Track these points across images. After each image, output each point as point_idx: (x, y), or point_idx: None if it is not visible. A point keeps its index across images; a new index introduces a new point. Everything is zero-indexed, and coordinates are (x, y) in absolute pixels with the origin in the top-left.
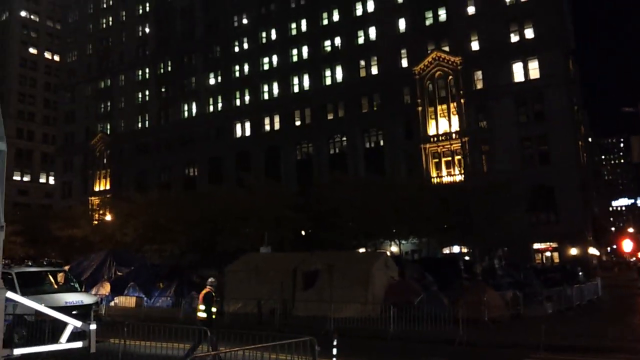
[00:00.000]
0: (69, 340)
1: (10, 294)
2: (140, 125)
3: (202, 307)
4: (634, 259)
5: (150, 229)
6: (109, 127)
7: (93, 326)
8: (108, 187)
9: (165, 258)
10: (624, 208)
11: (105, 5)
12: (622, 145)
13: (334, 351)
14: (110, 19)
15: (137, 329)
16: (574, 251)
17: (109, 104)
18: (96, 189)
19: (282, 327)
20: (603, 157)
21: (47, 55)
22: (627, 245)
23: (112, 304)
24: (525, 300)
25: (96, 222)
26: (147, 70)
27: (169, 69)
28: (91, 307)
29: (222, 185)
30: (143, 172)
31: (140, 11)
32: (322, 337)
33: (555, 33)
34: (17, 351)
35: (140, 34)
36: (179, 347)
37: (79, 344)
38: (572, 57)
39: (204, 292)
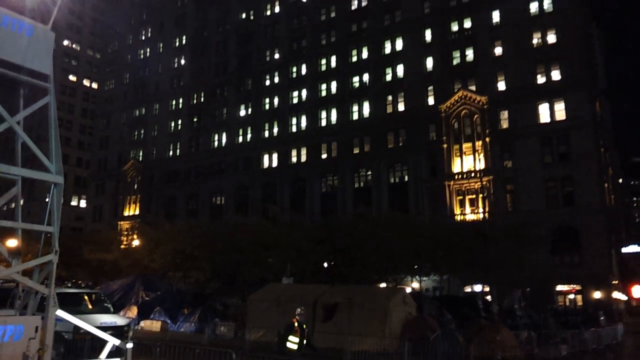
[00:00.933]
0: (108, 357)
1: (60, 312)
2: (171, 153)
3: (293, 338)
4: None
5: (177, 256)
6: (141, 154)
7: (130, 345)
8: (137, 212)
9: (190, 285)
10: None
11: (143, 37)
12: None
13: None
14: (148, 50)
15: (167, 349)
16: (597, 294)
17: (142, 131)
18: (126, 213)
19: (301, 356)
20: (635, 199)
21: (86, 82)
22: (636, 291)
23: (138, 327)
24: (540, 342)
25: (124, 247)
26: (180, 101)
27: (202, 99)
28: (123, 329)
29: (248, 215)
30: (172, 198)
31: (177, 43)
32: None
33: (582, 75)
34: None
35: (175, 65)
36: None
37: None
38: (603, 96)
39: (290, 321)
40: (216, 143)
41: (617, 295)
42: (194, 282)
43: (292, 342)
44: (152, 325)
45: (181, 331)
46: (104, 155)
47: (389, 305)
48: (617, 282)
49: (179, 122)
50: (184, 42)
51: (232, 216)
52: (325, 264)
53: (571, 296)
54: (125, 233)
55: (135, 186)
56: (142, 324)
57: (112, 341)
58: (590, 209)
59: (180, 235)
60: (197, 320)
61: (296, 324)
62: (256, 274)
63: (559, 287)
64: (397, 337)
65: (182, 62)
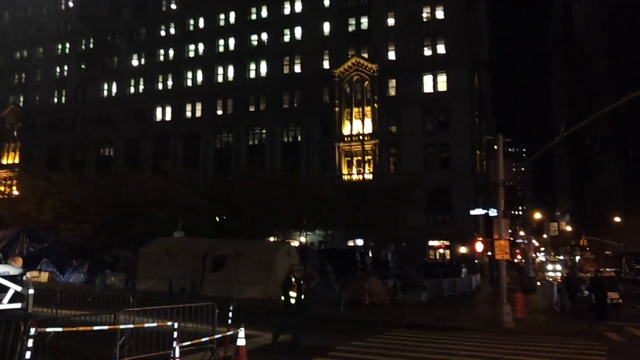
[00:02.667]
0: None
1: None
2: (56, 100)
3: (293, 294)
4: (520, 258)
5: (66, 208)
6: (22, 99)
7: (31, 291)
8: (17, 160)
9: (78, 237)
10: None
11: None
12: (524, 154)
13: (230, 314)
14: None
15: (66, 297)
16: (463, 249)
17: (23, 75)
18: (4, 161)
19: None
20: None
21: None
22: (478, 247)
23: (24, 277)
24: (405, 289)
25: (4, 197)
26: (67, 45)
27: (91, 46)
28: (17, 277)
29: (138, 168)
30: (56, 148)
31: None
32: (225, 311)
33: (464, 50)
34: None
35: (62, 7)
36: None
37: (18, 305)
38: (485, 68)
39: (287, 277)
40: (105, 92)
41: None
42: (82, 235)
43: (292, 297)
44: (39, 276)
45: (70, 282)
46: None
47: (274, 257)
48: (481, 239)
49: (65, 68)
50: None
51: (122, 168)
52: (217, 219)
53: (441, 251)
54: (3, 182)
55: (15, 133)
56: (28, 274)
57: (14, 287)
58: (461, 173)
59: (70, 187)
60: (87, 271)
61: (293, 280)
62: (147, 228)
63: (431, 243)
64: (280, 285)
65: (70, 4)
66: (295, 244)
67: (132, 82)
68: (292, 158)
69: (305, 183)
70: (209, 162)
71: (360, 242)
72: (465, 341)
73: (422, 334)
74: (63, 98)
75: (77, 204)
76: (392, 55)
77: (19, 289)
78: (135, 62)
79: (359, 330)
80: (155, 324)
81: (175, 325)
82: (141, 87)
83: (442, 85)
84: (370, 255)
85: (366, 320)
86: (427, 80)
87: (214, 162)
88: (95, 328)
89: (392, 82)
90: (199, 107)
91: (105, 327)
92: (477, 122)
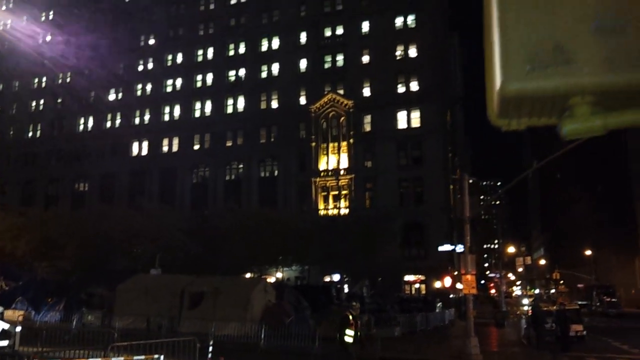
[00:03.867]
0: None
1: None
2: (31, 134)
3: (350, 332)
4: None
5: (42, 244)
6: None
7: (19, 328)
8: None
9: (53, 274)
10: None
11: (4, 7)
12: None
13: (210, 349)
14: (9, 22)
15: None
16: (438, 284)
17: None
18: None
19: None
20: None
21: None
22: (447, 281)
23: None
24: (380, 324)
25: None
26: (44, 79)
27: (68, 80)
28: None
29: (114, 203)
30: (29, 182)
31: (43, 17)
32: (204, 346)
33: (436, 88)
34: None
35: (40, 40)
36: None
37: (5, 342)
38: (458, 104)
39: (344, 314)
40: (81, 127)
41: (458, 285)
42: (57, 272)
43: (349, 336)
44: (14, 314)
45: (45, 320)
46: None
47: (251, 294)
48: (456, 273)
49: (41, 101)
50: (50, 16)
51: (97, 204)
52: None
53: (417, 285)
54: None
55: None
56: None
57: (2, 325)
58: (435, 208)
59: (46, 223)
60: (63, 309)
61: (351, 317)
62: (124, 264)
63: (407, 277)
64: (257, 322)
65: (48, 37)
66: (271, 279)
67: (109, 116)
68: (269, 193)
69: (282, 218)
70: (186, 197)
71: (336, 277)
72: None
73: None
74: (38, 132)
75: (53, 240)
76: (367, 92)
77: (6, 326)
78: (112, 97)
79: None
80: (143, 357)
81: (162, 357)
82: (118, 121)
83: (416, 122)
84: (346, 290)
85: (340, 355)
86: (401, 116)
87: (190, 196)
88: None
89: (367, 118)
90: (175, 141)
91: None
92: (451, 157)
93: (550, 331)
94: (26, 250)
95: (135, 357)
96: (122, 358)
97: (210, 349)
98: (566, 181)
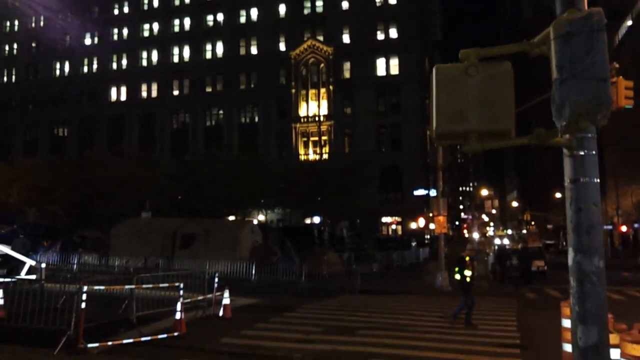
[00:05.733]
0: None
1: None
2: (5, 79)
3: (457, 269)
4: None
5: (32, 191)
6: None
7: (44, 265)
8: None
9: (44, 218)
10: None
11: None
12: None
13: (216, 280)
14: None
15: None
16: (413, 225)
17: None
18: None
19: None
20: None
21: None
22: (421, 222)
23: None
24: (359, 261)
25: None
26: (16, 23)
27: (41, 24)
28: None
29: (94, 148)
30: (7, 128)
31: None
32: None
33: (415, 36)
34: None
35: None
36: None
37: (33, 277)
38: (437, 49)
39: (461, 256)
40: (58, 72)
41: (431, 226)
42: (47, 216)
43: (468, 277)
44: None
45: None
46: None
47: (239, 235)
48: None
49: (14, 46)
50: None
51: (76, 149)
52: (180, 198)
53: (393, 227)
54: None
55: None
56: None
57: (30, 262)
58: (412, 153)
59: (35, 171)
60: (59, 251)
61: (468, 259)
62: (114, 209)
63: (384, 219)
64: (246, 260)
65: None
66: (254, 222)
67: (86, 61)
68: (250, 138)
69: (264, 163)
70: (166, 143)
71: (317, 219)
72: (406, 302)
73: (371, 297)
74: (13, 77)
75: (42, 187)
76: (346, 39)
77: (33, 263)
78: (88, 41)
79: (318, 295)
80: (167, 284)
81: (181, 285)
82: (95, 66)
83: (395, 69)
84: (327, 231)
85: (324, 288)
86: (380, 63)
87: (170, 142)
88: (127, 287)
89: (347, 65)
90: (154, 87)
91: (133, 286)
92: (428, 103)
93: (515, 267)
94: (17, 198)
95: (160, 285)
96: (151, 285)
97: (216, 279)
98: (540, 126)
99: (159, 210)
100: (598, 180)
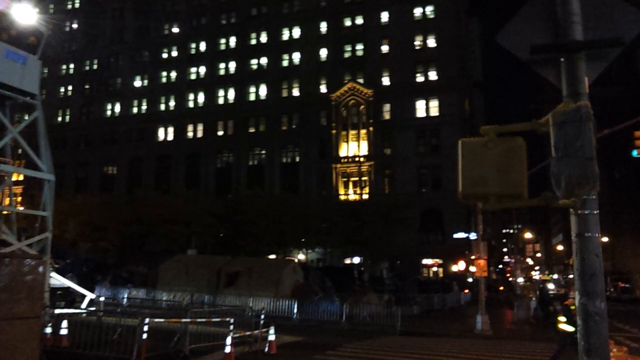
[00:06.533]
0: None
1: (54, 274)
2: (60, 119)
3: (563, 319)
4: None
5: (86, 227)
6: (26, 118)
7: (102, 298)
8: (21, 178)
9: (95, 253)
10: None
11: None
12: None
13: (262, 317)
14: (37, 10)
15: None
16: (454, 268)
17: None
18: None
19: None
20: None
21: None
22: (461, 265)
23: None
24: (399, 302)
25: None
26: (71, 66)
27: (95, 67)
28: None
29: (142, 187)
30: (60, 167)
31: (69, 6)
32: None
33: (455, 77)
34: (58, 311)
35: (67, 28)
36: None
37: (93, 308)
38: (478, 89)
39: (566, 304)
40: (109, 112)
41: (472, 268)
42: (98, 251)
43: (563, 323)
44: None
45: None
46: None
47: (282, 273)
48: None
49: (70, 88)
50: (77, 4)
51: (125, 187)
52: (222, 235)
53: (434, 269)
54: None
55: (19, 151)
56: None
57: (90, 295)
58: (453, 195)
59: (90, 208)
60: (109, 285)
61: (573, 307)
62: (162, 245)
63: (425, 261)
64: (287, 298)
65: (75, 25)
66: (295, 261)
67: (135, 102)
68: (290, 178)
69: (305, 203)
70: (210, 181)
71: (356, 259)
72: (446, 343)
73: (412, 339)
74: (67, 117)
75: (96, 223)
76: (386, 81)
77: (93, 296)
78: (138, 83)
79: (359, 335)
80: (219, 319)
81: (232, 320)
82: (144, 107)
83: (434, 110)
84: (367, 272)
85: (365, 329)
86: (420, 105)
87: (214, 181)
88: (183, 320)
89: (387, 107)
90: (200, 127)
91: (189, 320)
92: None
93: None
94: (73, 233)
95: (213, 319)
96: (204, 319)
97: (262, 316)
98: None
99: (204, 247)
100: (599, 235)
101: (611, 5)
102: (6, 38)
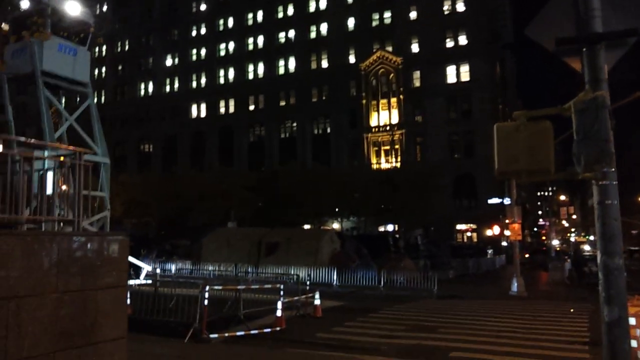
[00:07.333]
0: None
1: None
2: (95, 100)
3: None
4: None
5: (132, 204)
6: (63, 101)
7: (158, 270)
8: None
9: (140, 228)
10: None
11: None
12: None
13: (307, 283)
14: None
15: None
16: (489, 232)
17: None
18: None
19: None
20: None
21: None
22: (496, 230)
23: None
24: (434, 267)
25: None
26: (104, 48)
27: (127, 48)
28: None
29: (177, 162)
30: None
31: None
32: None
33: (485, 41)
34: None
35: (97, 12)
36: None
37: (149, 281)
38: (509, 50)
39: None
40: (142, 92)
41: (506, 232)
42: (142, 226)
43: None
44: None
45: None
46: (22, 101)
47: (319, 242)
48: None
49: (103, 69)
50: None
51: (160, 163)
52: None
53: (468, 234)
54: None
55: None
56: None
57: (147, 267)
58: (485, 160)
59: (133, 186)
60: (154, 258)
61: None
62: (203, 220)
63: (459, 226)
64: (325, 266)
65: (105, 8)
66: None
67: (168, 81)
68: (322, 149)
69: (338, 174)
70: (243, 155)
71: (390, 227)
72: (481, 306)
73: (448, 302)
74: (103, 98)
75: (140, 201)
76: (415, 48)
77: (149, 268)
78: (169, 62)
79: (397, 299)
80: (270, 286)
81: (282, 287)
82: (176, 85)
83: (465, 75)
84: (402, 239)
85: (402, 294)
86: (450, 71)
87: (247, 155)
88: (239, 287)
89: (417, 74)
90: (232, 103)
91: (243, 287)
92: (501, 108)
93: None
94: (120, 211)
95: (266, 285)
96: (257, 286)
97: (308, 282)
98: (621, 125)
99: (242, 220)
100: (617, 202)
101: None
102: (58, 32)
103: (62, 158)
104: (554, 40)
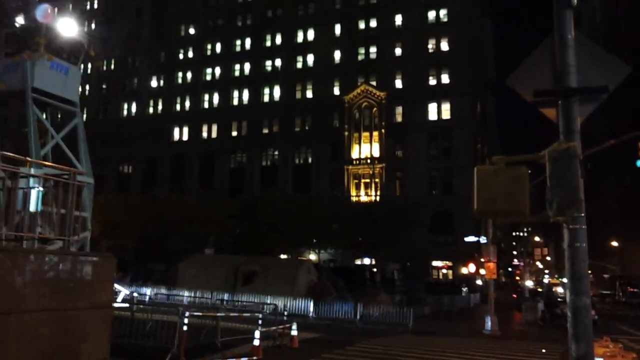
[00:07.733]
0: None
1: None
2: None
3: None
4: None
5: (108, 225)
6: (44, 117)
7: (135, 294)
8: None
9: (115, 251)
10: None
11: None
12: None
13: (285, 313)
14: (55, 10)
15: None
16: (464, 270)
17: None
18: None
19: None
20: None
21: None
22: (471, 268)
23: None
24: (410, 303)
25: None
26: (89, 66)
27: (112, 67)
28: None
29: (157, 185)
30: None
31: (88, 6)
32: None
33: (467, 81)
34: None
35: (85, 29)
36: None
37: (126, 305)
38: (489, 90)
39: None
40: (125, 112)
41: (481, 271)
42: (117, 249)
43: None
44: None
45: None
46: (3, 114)
47: (297, 273)
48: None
49: (87, 87)
50: (95, 5)
51: (140, 185)
52: (238, 232)
53: (444, 271)
54: None
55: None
56: None
57: (124, 290)
58: (463, 197)
59: (110, 207)
60: (129, 282)
61: None
62: (181, 244)
63: (435, 263)
64: (302, 296)
65: (93, 26)
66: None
67: (151, 102)
68: (303, 179)
69: (318, 204)
70: (224, 181)
71: (367, 260)
72: (456, 343)
73: (423, 337)
74: (85, 116)
75: (117, 222)
76: (399, 84)
77: (127, 292)
78: (154, 84)
79: (373, 333)
80: (249, 314)
81: (260, 315)
82: (160, 107)
83: (446, 113)
84: (378, 273)
85: (378, 328)
86: (432, 108)
87: (228, 181)
88: (219, 314)
89: (399, 109)
90: (214, 128)
91: (222, 314)
92: (480, 147)
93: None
94: (97, 232)
95: (244, 314)
96: (237, 314)
97: (286, 312)
98: (595, 172)
99: (222, 246)
100: (586, 245)
101: (601, 56)
102: (52, 51)
103: (54, 177)
104: (532, 91)
